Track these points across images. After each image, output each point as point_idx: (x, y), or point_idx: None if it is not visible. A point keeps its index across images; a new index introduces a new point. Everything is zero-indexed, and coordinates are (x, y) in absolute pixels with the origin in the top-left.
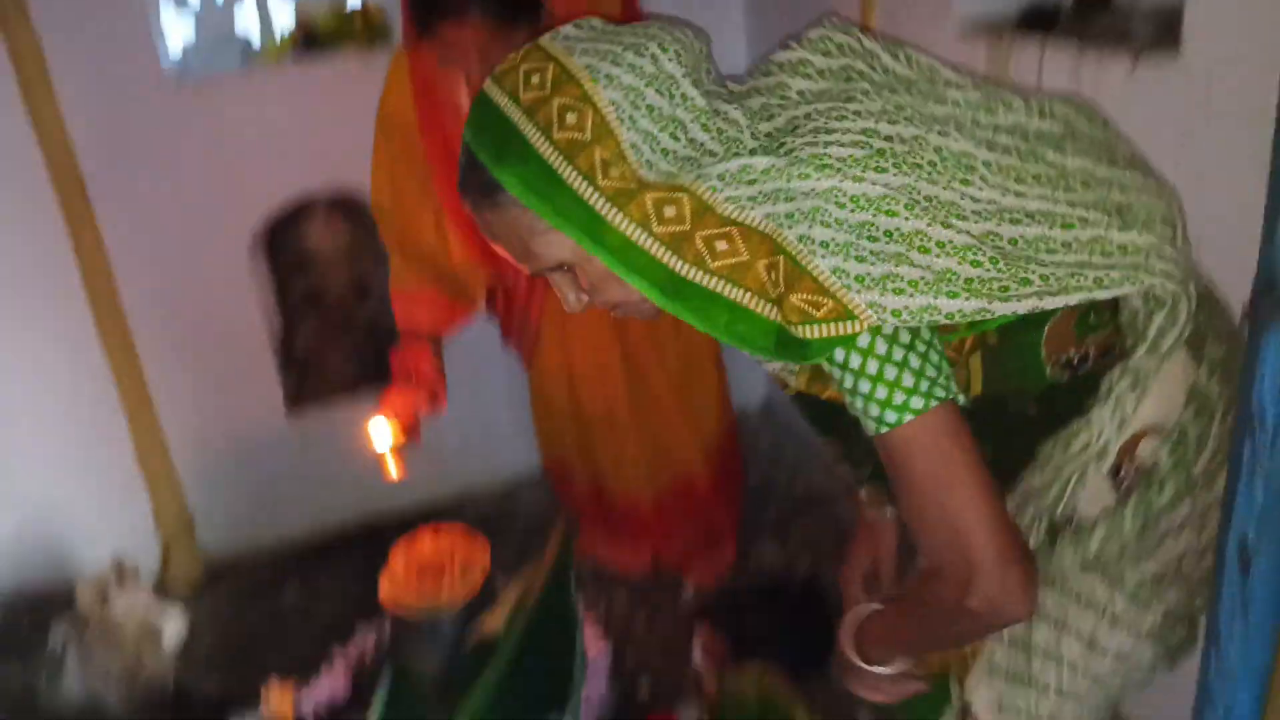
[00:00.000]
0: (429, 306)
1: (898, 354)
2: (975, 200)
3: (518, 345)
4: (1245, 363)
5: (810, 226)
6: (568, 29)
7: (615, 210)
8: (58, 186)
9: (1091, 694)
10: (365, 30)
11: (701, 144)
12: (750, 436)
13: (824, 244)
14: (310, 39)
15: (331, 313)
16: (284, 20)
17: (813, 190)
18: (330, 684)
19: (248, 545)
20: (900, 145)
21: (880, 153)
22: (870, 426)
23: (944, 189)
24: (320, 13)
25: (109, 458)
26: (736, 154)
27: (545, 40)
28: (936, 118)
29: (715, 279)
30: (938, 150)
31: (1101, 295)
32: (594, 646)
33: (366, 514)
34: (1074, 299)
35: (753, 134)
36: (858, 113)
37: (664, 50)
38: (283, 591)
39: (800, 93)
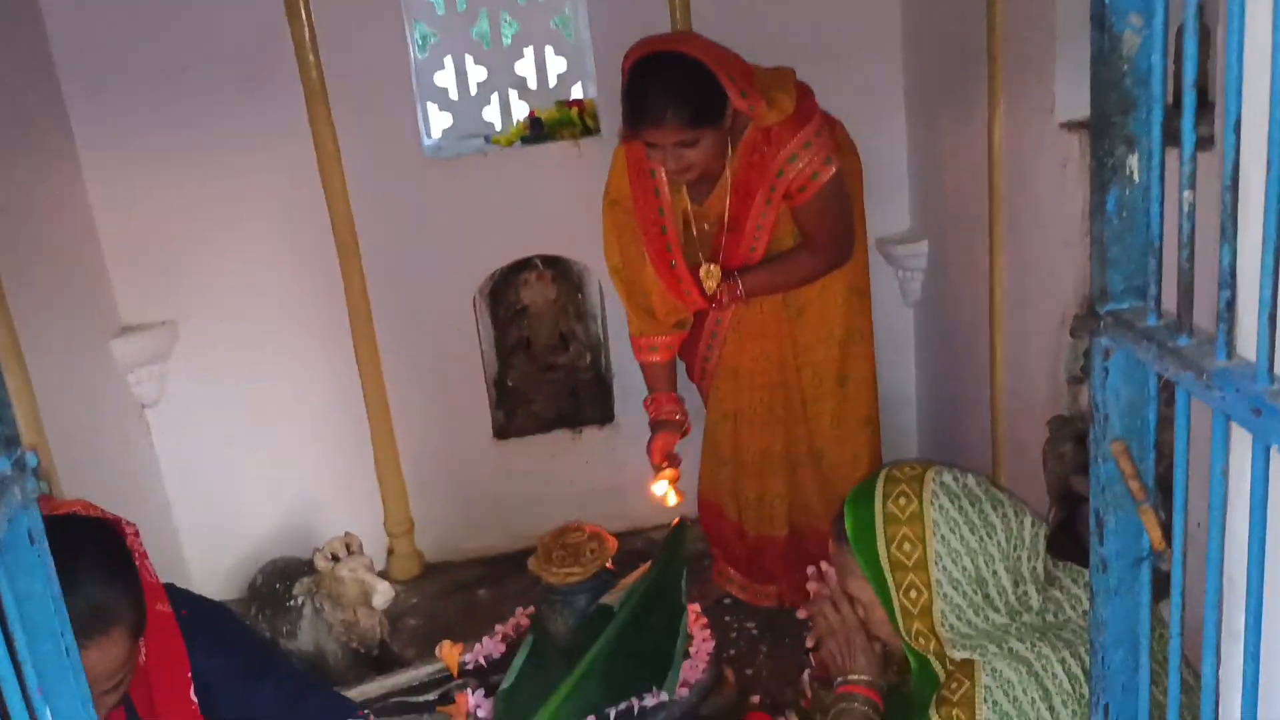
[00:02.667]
0: (661, 343)
1: None
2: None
3: (699, 384)
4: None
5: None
6: (948, 478)
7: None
8: (338, 242)
9: None
10: (581, 121)
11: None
12: None
13: (995, 704)
14: (537, 127)
15: (538, 357)
16: (520, 112)
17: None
18: (489, 645)
19: (455, 551)
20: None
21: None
22: None
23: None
24: (546, 106)
25: (354, 466)
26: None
27: (926, 481)
28: None
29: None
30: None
31: None
32: (698, 637)
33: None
34: None
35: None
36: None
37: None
38: (477, 591)
39: (1067, 619)
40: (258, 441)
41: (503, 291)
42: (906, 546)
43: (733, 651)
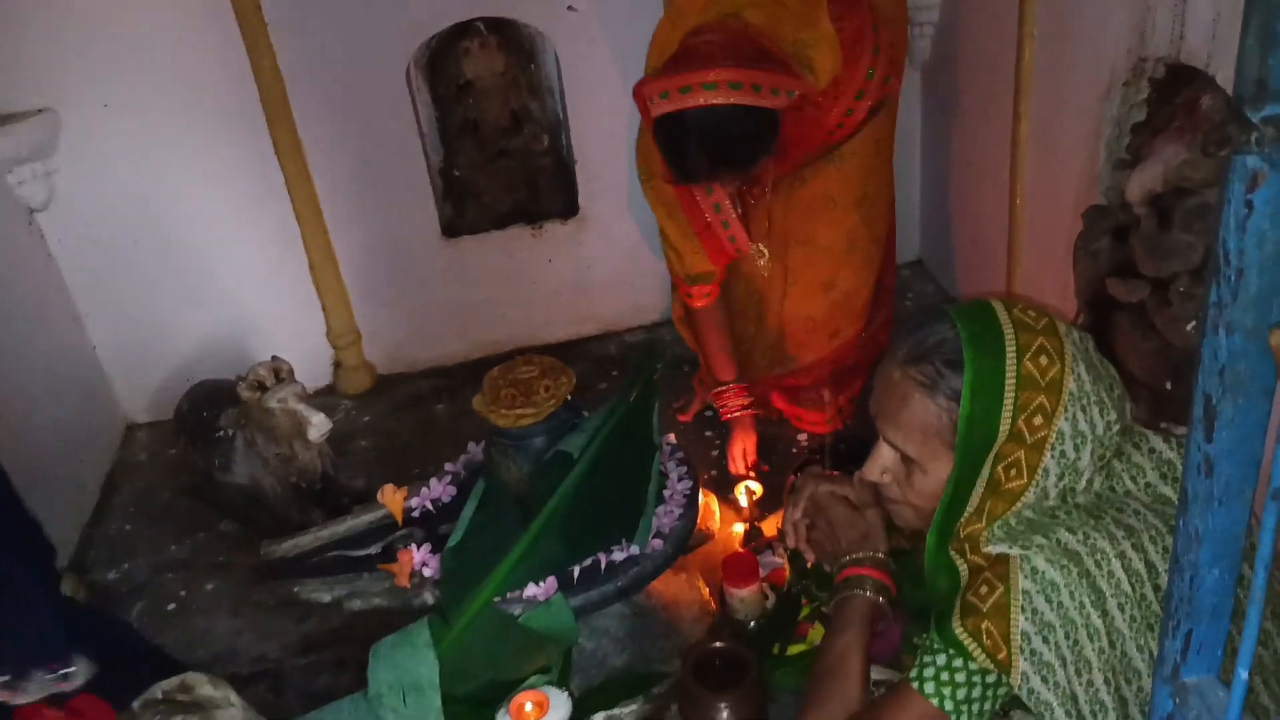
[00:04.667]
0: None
1: (976, 690)
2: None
3: None
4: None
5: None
6: (1076, 337)
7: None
8: (237, 9)
9: None
10: None
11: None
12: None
13: (1035, 612)
14: None
15: (487, 141)
16: None
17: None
18: (438, 488)
19: (409, 362)
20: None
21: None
22: (913, 671)
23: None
24: None
25: (287, 271)
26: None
27: (1064, 339)
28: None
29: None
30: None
31: None
32: (673, 476)
33: (515, 338)
34: None
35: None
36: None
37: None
38: (434, 405)
39: (1126, 492)
40: (169, 247)
41: (441, 63)
42: (1038, 420)
43: (714, 472)
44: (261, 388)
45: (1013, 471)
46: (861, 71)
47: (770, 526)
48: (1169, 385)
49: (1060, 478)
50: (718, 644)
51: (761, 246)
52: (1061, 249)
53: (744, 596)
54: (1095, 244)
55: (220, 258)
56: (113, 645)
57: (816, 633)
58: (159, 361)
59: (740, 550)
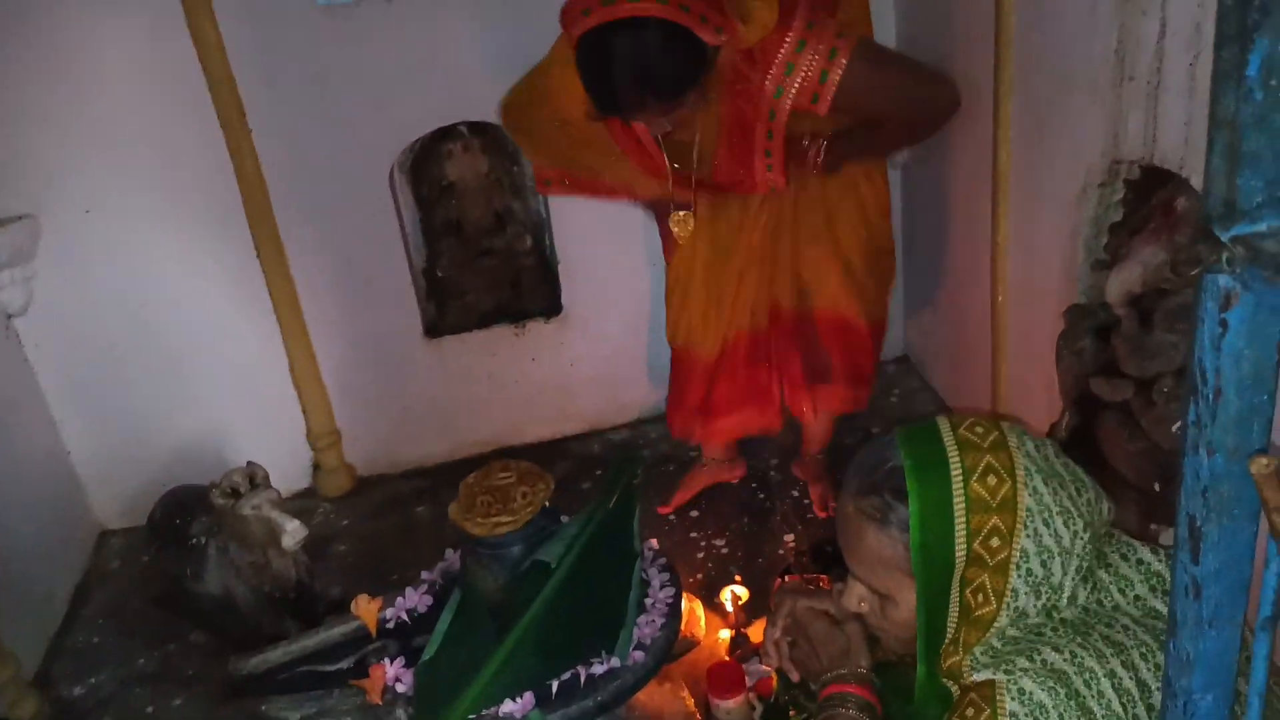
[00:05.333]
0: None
1: None
2: None
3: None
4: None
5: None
6: (1030, 447)
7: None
8: (219, 109)
9: None
10: None
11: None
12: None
13: None
14: None
15: (470, 241)
16: None
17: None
18: (414, 598)
19: (390, 463)
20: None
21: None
22: None
23: None
24: None
25: (266, 373)
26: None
27: (1015, 453)
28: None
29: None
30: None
31: None
32: (655, 583)
33: (498, 437)
34: None
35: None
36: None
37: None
38: (415, 508)
39: (1115, 606)
40: (147, 350)
41: (425, 166)
42: (995, 541)
43: (699, 576)
44: (236, 494)
45: (980, 597)
46: (792, 42)
47: (756, 633)
48: (1157, 486)
49: (1036, 595)
50: None
51: (684, 215)
52: (1045, 347)
53: (730, 709)
54: (1078, 343)
55: (200, 361)
56: None
57: None
58: (135, 466)
59: (726, 659)
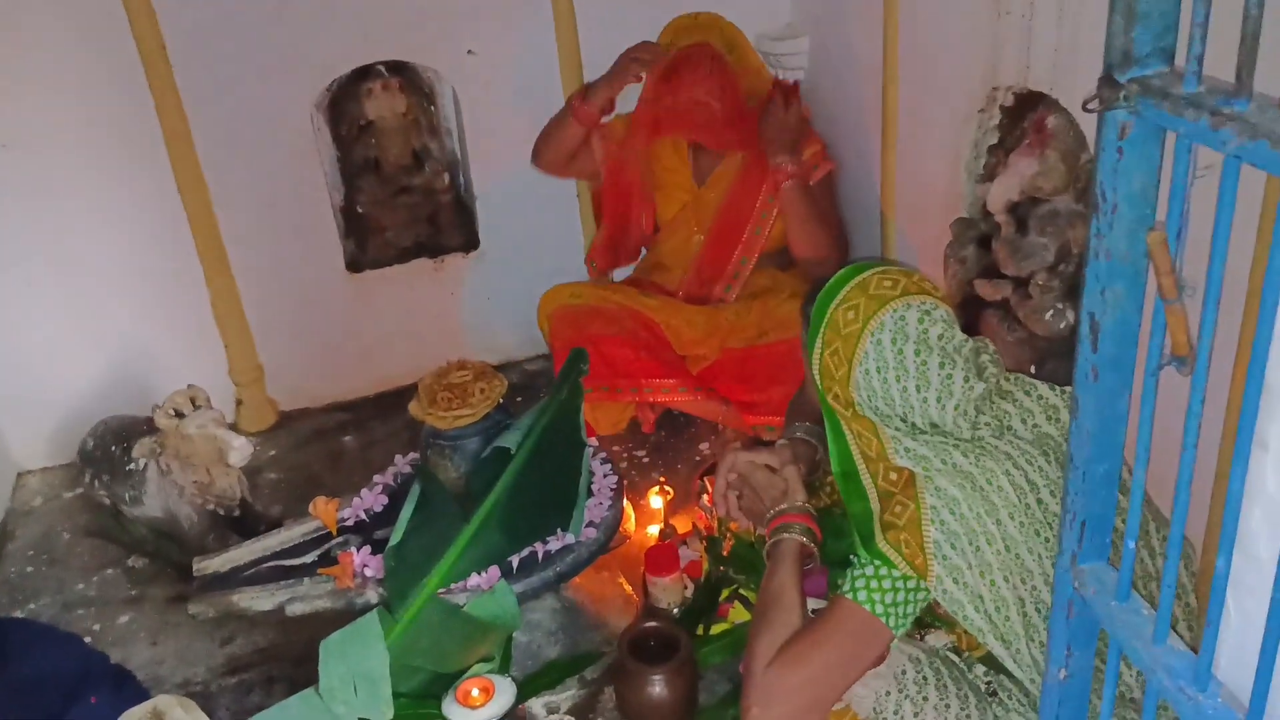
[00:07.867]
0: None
1: (900, 595)
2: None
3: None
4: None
5: (943, 511)
6: (913, 315)
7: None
8: (139, 43)
9: None
10: None
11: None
12: None
13: (942, 523)
14: None
15: (389, 179)
16: None
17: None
18: (370, 498)
19: (313, 397)
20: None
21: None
22: (844, 585)
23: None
24: None
25: (188, 310)
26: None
27: (885, 308)
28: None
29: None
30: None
31: None
32: (599, 472)
33: (418, 370)
34: None
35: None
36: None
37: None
38: (342, 438)
39: (1013, 430)
40: (67, 286)
41: (344, 105)
42: (833, 361)
43: (625, 482)
44: (179, 415)
45: (836, 389)
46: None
47: (682, 523)
48: (1033, 370)
49: (893, 416)
50: (651, 624)
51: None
52: (934, 258)
53: (666, 585)
54: (963, 251)
55: (119, 297)
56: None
57: (738, 612)
58: (53, 406)
59: (660, 543)
